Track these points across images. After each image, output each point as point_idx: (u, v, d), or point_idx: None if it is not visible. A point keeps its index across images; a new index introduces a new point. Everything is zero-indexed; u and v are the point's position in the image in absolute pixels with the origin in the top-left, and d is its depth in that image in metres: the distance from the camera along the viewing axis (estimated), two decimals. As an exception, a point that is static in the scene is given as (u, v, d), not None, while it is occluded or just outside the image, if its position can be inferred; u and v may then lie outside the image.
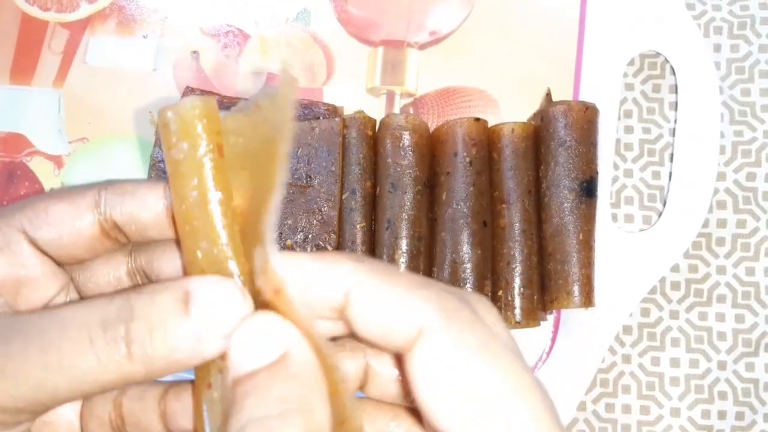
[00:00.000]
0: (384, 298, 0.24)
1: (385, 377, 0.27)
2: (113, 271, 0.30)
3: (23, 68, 0.53)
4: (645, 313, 0.48)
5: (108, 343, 0.24)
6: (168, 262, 0.29)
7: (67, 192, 0.28)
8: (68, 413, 0.29)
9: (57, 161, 0.51)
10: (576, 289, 0.44)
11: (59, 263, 0.29)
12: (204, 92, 0.49)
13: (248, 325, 0.24)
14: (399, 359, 0.25)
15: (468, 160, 0.45)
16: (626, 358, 0.48)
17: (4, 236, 0.27)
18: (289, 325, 0.24)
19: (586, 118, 0.45)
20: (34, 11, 0.53)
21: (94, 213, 0.28)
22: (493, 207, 0.46)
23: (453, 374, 0.23)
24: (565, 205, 0.45)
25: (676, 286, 0.49)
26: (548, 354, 0.47)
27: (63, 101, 0.52)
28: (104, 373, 0.24)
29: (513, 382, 0.24)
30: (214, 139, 0.26)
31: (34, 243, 0.28)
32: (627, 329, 0.48)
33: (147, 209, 0.28)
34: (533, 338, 0.47)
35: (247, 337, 0.24)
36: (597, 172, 0.45)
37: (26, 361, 0.24)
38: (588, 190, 0.45)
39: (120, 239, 0.29)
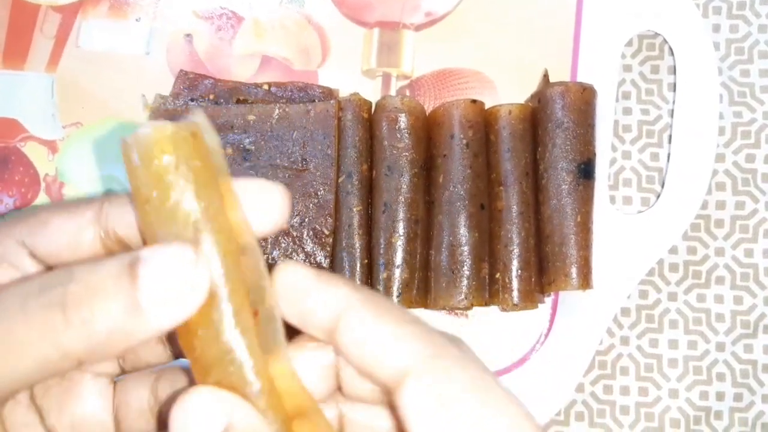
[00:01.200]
0: (374, 329, 0.24)
1: (360, 426, 0.27)
2: None
3: (15, 52, 0.52)
4: (643, 295, 0.48)
5: (42, 308, 0.23)
6: None
7: (68, 204, 0.27)
8: (99, 413, 0.28)
9: (51, 146, 0.51)
10: (574, 271, 0.44)
11: None
12: (198, 76, 0.49)
13: (185, 404, 0.23)
14: (388, 394, 0.25)
15: (465, 142, 0.45)
16: (624, 340, 0.48)
17: (4, 247, 0.26)
18: (231, 397, 0.23)
19: (584, 99, 0.45)
20: (26, -5, 0.53)
21: (95, 226, 0.26)
22: (491, 189, 0.45)
23: (446, 410, 0.23)
24: (563, 187, 0.44)
25: (674, 267, 0.48)
26: (546, 336, 0.47)
27: (56, 85, 0.51)
28: (42, 346, 0.23)
29: (507, 417, 0.23)
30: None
31: (33, 255, 0.27)
32: (625, 311, 0.48)
33: None
34: (531, 320, 0.47)
35: (184, 418, 0.23)
36: (595, 154, 0.45)
37: None
38: (586, 171, 0.44)
39: None
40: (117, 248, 0.27)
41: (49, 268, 0.27)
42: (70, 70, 0.51)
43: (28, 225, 0.27)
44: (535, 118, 0.46)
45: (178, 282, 0.23)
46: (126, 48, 0.51)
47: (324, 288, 0.25)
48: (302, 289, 0.25)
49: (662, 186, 0.48)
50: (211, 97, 0.48)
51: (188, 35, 0.51)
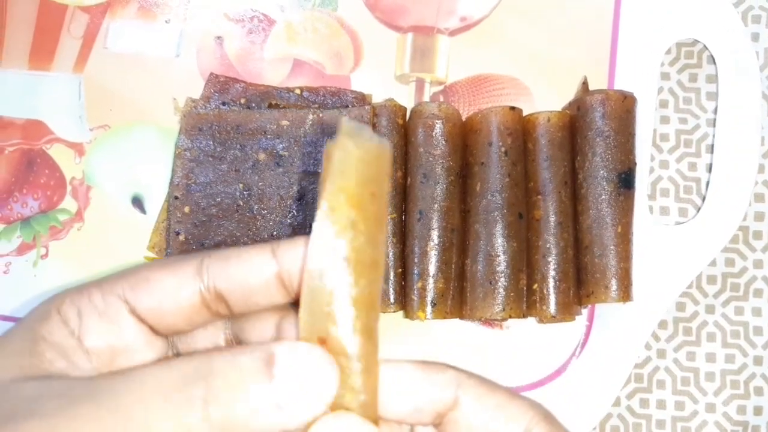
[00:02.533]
0: (493, 403, 0.26)
1: None
2: (211, 338, 0.29)
3: (42, 53, 0.51)
4: (680, 307, 0.47)
5: (183, 402, 0.23)
6: (261, 328, 0.28)
7: (170, 261, 0.27)
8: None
9: (78, 149, 0.50)
10: (614, 283, 0.43)
11: (157, 332, 0.28)
12: (228, 79, 0.48)
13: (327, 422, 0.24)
14: None
15: (503, 150, 0.44)
16: (661, 353, 0.47)
17: (105, 303, 0.27)
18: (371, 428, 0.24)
19: (625, 107, 0.44)
20: (53, -5, 0.52)
21: (196, 282, 0.27)
22: (528, 198, 0.44)
23: None
24: (603, 196, 0.43)
25: (712, 280, 0.48)
26: (582, 348, 0.46)
27: (83, 87, 0.51)
28: None
29: None
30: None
31: (133, 311, 0.27)
32: (662, 324, 0.47)
33: (255, 274, 0.27)
34: (567, 331, 0.46)
35: None
36: (635, 163, 0.44)
37: (94, 423, 0.23)
38: (626, 181, 0.44)
39: (221, 311, 0.27)
40: (217, 303, 0.27)
41: (150, 326, 0.27)
42: (97, 71, 0.51)
43: (130, 281, 0.27)
44: (573, 126, 0.45)
45: (311, 382, 0.23)
46: (155, 50, 0.51)
47: (433, 380, 0.26)
48: (411, 389, 0.26)
49: (702, 197, 0.47)
50: (243, 101, 0.48)
51: (219, 38, 0.50)
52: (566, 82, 0.48)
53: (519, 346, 0.46)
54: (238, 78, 0.49)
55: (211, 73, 0.48)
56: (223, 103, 0.48)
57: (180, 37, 0.51)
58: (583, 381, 0.45)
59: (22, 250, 0.50)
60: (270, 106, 0.48)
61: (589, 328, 0.46)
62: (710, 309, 0.47)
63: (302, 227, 0.45)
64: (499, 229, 0.43)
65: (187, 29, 0.51)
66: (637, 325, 0.45)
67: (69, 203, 0.50)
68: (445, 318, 0.43)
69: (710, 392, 0.47)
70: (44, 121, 0.51)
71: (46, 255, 0.50)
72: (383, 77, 0.49)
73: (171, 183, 0.46)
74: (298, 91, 0.48)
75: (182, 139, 0.46)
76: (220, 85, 0.48)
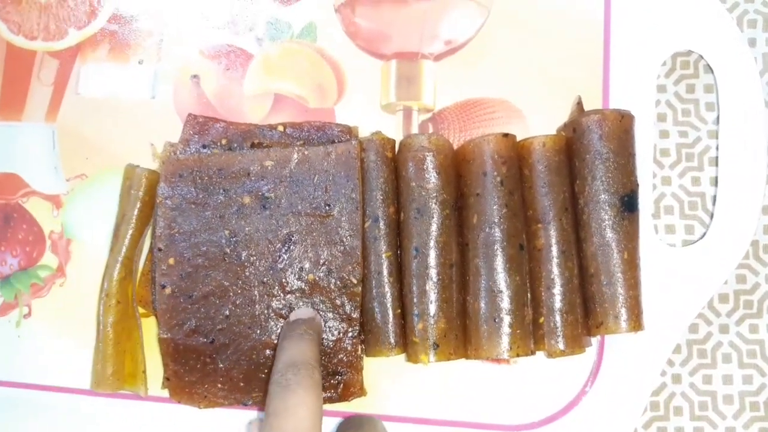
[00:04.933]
0: None
1: None
2: None
3: (12, 102, 0.49)
4: (693, 329, 0.45)
5: None
6: None
7: None
8: None
9: (55, 201, 0.48)
10: (623, 312, 0.41)
11: None
12: (208, 119, 0.46)
13: None
14: None
15: (499, 179, 0.42)
16: (676, 378, 0.45)
17: None
18: None
19: (623, 127, 0.42)
20: (20, 41, 0.50)
21: None
22: (528, 228, 0.42)
23: None
24: (606, 222, 0.41)
25: (724, 298, 0.46)
26: (594, 379, 0.44)
27: (57, 136, 0.49)
28: None
29: None
30: None
31: None
32: (676, 348, 0.45)
33: None
34: (576, 363, 0.44)
35: None
36: (637, 185, 0.42)
37: None
38: (629, 204, 0.42)
39: None
40: None
41: None
42: (71, 118, 0.49)
43: None
44: (570, 149, 0.43)
45: None
46: (129, 92, 0.48)
47: None
48: None
49: (708, 212, 0.45)
50: (224, 141, 0.45)
51: (195, 76, 0.48)
52: (559, 102, 0.46)
53: (527, 381, 0.44)
54: (218, 117, 0.47)
55: (190, 114, 0.46)
56: (204, 146, 0.46)
57: (154, 77, 0.49)
58: (596, 414, 0.43)
59: (4, 310, 0.48)
60: (252, 145, 0.45)
61: (600, 357, 0.44)
62: (724, 329, 0.45)
63: (292, 271, 0.43)
64: (499, 263, 0.41)
65: (161, 69, 0.48)
66: (650, 352, 0.43)
67: (49, 258, 0.48)
68: (449, 359, 0.41)
69: (729, 416, 0.45)
70: (18, 173, 0.49)
71: (29, 314, 0.47)
72: (369, 108, 0.47)
73: (153, 234, 0.44)
74: (281, 128, 0.46)
75: (162, 188, 0.44)
76: (199, 126, 0.46)
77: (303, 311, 0.42)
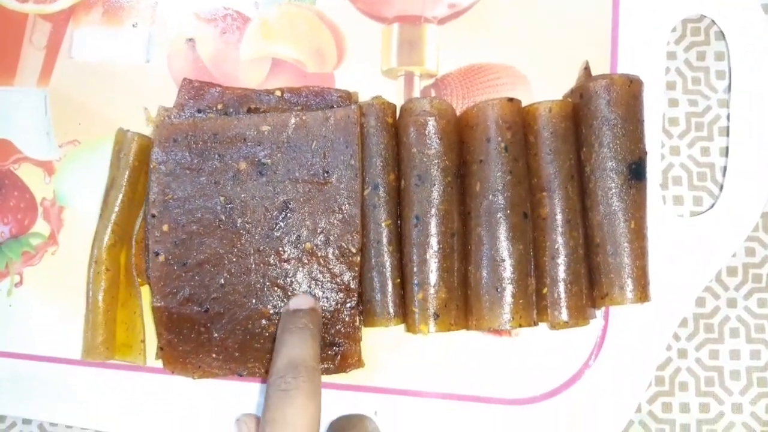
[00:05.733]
0: None
1: None
2: None
3: (3, 66, 0.48)
4: (700, 302, 0.44)
5: None
6: None
7: None
8: None
9: (47, 167, 0.47)
10: (629, 282, 0.40)
11: None
12: (203, 84, 0.45)
13: None
14: None
15: (503, 145, 0.40)
16: (682, 353, 0.44)
17: None
18: None
19: (631, 92, 0.41)
20: (12, 3, 0.49)
21: None
22: (533, 196, 0.41)
23: None
24: (613, 190, 0.40)
25: (732, 271, 0.44)
26: (598, 352, 0.43)
27: (49, 101, 0.47)
28: None
29: None
30: None
31: None
32: (682, 321, 0.44)
33: None
34: (580, 335, 0.43)
35: None
36: (645, 152, 0.41)
37: None
38: (637, 172, 0.40)
39: None
40: None
41: None
42: (63, 83, 0.47)
43: None
44: (577, 115, 0.42)
45: None
46: (123, 56, 0.47)
47: None
48: None
49: (717, 183, 0.44)
50: (219, 106, 0.44)
51: (191, 40, 0.47)
52: (566, 68, 0.44)
53: (530, 353, 0.43)
54: (214, 82, 0.46)
55: (185, 79, 0.45)
56: (199, 111, 0.44)
57: (149, 41, 0.47)
58: (600, 388, 0.42)
59: (-6, 278, 0.46)
60: (249, 110, 0.44)
61: (604, 330, 0.43)
62: (732, 303, 0.44)
63: (289, 239, 0.42)
64: (502, 232, 0.40)
65: (156, 33, 0.47)
66: (656, 325, 0.42)
67: (41, 226, 0.46)
68: (449, 330, 0.40)
69: (736, 392, 0.44)
70: (10, 139, 0.47)
71: (21, 282, 0.46)
72: (369, 73, 0.46)
73: (147, 200, 0.43)
74: (278, 93, 0.44)
75: (156, 152, 0.43)
76: (195, 91, 0.45)
77: (303, 300, 0.40)
